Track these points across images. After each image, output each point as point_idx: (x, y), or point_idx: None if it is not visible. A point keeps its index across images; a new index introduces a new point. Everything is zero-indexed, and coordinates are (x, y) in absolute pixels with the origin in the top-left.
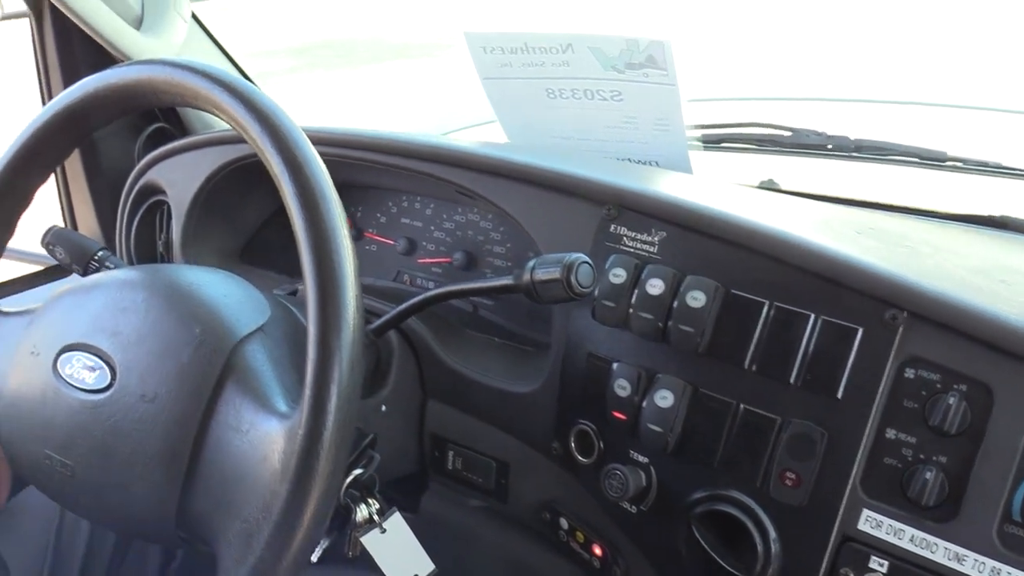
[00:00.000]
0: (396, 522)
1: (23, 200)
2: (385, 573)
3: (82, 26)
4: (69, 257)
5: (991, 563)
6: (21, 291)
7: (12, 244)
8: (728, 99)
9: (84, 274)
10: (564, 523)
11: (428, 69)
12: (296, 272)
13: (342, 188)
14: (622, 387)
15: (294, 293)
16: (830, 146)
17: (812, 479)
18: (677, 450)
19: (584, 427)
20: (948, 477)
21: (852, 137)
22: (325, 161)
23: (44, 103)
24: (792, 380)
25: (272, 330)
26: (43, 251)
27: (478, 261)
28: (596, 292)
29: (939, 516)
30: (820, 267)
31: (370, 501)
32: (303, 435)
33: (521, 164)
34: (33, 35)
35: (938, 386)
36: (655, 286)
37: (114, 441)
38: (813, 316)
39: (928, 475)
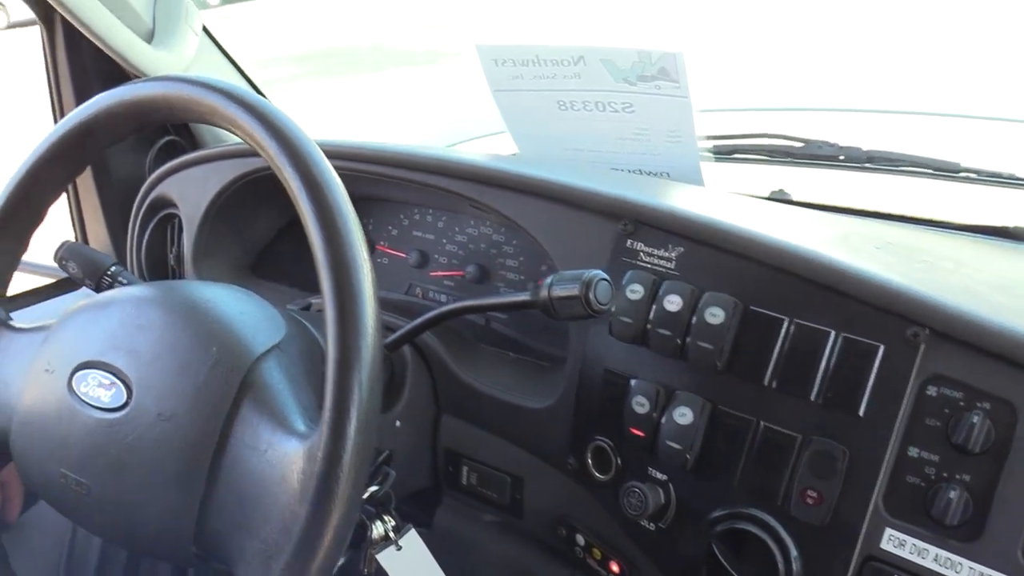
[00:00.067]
0: (412, 539)
1: (36, 216)
2: None
3: (94, 40)
4: (82, 272)
5: None
6: (32, 304)
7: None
8: (739, 109)
9: (97, 289)
10: (580, 539)
11: (432, 77)
12: (308, 286)
13: (354, 201)
14: (640, 404)
15: (307, 308)
16: (842, 157)
17: (834, 497)
18: (696, 467)
19: (601, 443)
20: (972, 496)
21: (864, 148)
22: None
23: (55, 115)
24: (813, 397)
25: (288, 347)
26: (52, 263)
27: (491, 274)
28: (613, 308)
29: (963, 535)
30: (841, 284)
31: (386, 518)
32: (323, 456)
33: (537, 178)
34: (44, 47)
35: (961, 404)
36: (673, 302)
37: (130, 460)
38: (833, 333)
39: (952, 494)
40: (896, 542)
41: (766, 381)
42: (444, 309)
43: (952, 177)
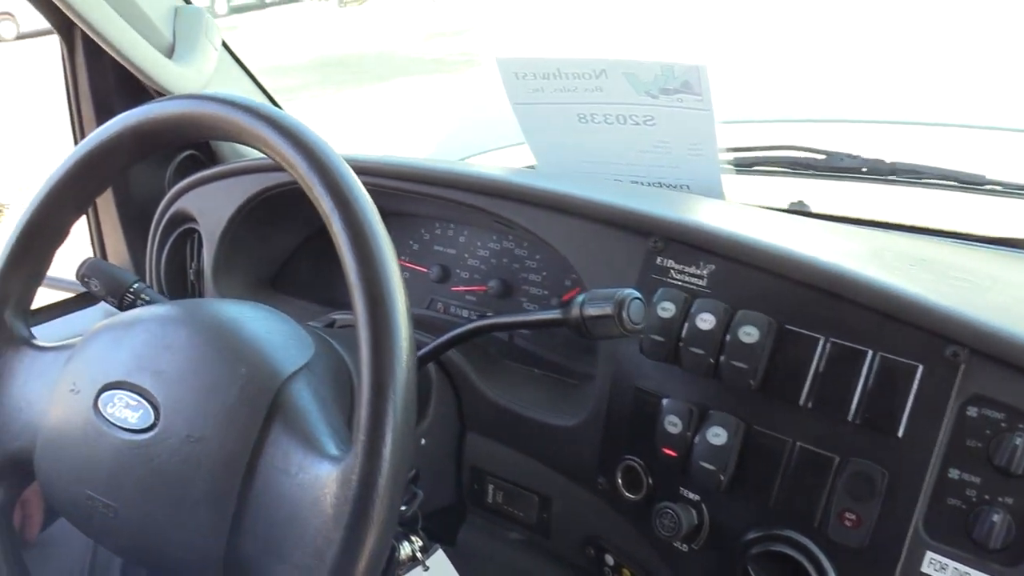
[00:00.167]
0: (439, 560)
1: (60, 234)
2: None
3: (115, 56)
4: (104, 289)
5: None
6: (50, 319)
7: None
8: (760, 121)
9: (119, 306)
10: (610, 559)
11: (440, 87)
12: (328, 300)
13: None
14: (673, 423)
15: (331, 325)
16: (865, 169)
17: (873, 520)
18: (730, 488)
19: (631, 463)
20: (1015, 519)
21: (887, 160)
22: None
23: (74, 129)
24: (850, 418)
25: (316, 367)
26: (69, 277)
27: (513, 289)
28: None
29: (1006, 559)
30: (878, 302)
31: (413, 538)
32: (357, 481)
33: (565, 195)
34: (64, 61)
35: (1003, 425)
36: (706, 320)
37: (158, 482)
38: (871, 353)
39: (995, 517)
40: (937, 566)
41: (802, 401)
42: (473, 326)
43: (977, 189)
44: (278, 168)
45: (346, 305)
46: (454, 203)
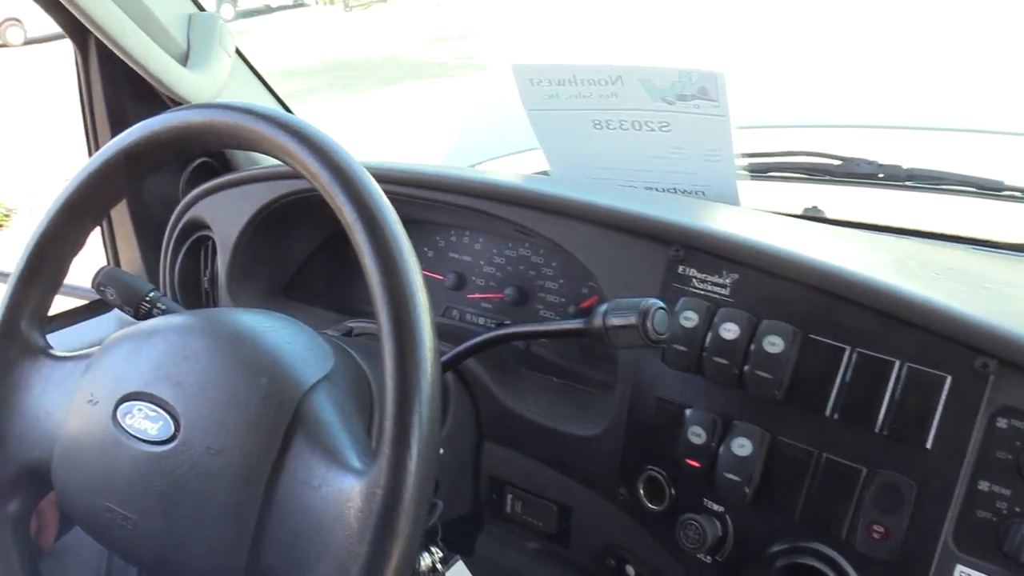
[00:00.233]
0: (459, 571)
1: (76, 243)
2: None
3: (130, 63)
4: (120, 298)
5: None
6: (64, 327)
7: None
8: (774, 126)
9: (135, 315)
10: (631, 570)
11: (447, 91)
12: (342, 308)
13: None
14: (696, 434)
15: (348, 333)
16: (881, 175)
17: (901, 532)
18: (755, 500)
19: (653, 473)
20: None
21: (905, 166)
22: None
23: (87, 136)
24: (877, 429)
25: (336, 378)
26: (81, 284)
27: (530, 296)
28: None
29: None
30: (906, 313)
31: (433, 550)
32: (383, 495)
33: (586, 203)
34: (78, 70)
35: None
36: (729, 330)
37: (179, 495)
38: (898, 363)
39: None
40: None
41: (828, 412)
42: (493, 335)
43: (996, 195)
44: (292, 175)
45: (360, 312)
46: (471, 211)
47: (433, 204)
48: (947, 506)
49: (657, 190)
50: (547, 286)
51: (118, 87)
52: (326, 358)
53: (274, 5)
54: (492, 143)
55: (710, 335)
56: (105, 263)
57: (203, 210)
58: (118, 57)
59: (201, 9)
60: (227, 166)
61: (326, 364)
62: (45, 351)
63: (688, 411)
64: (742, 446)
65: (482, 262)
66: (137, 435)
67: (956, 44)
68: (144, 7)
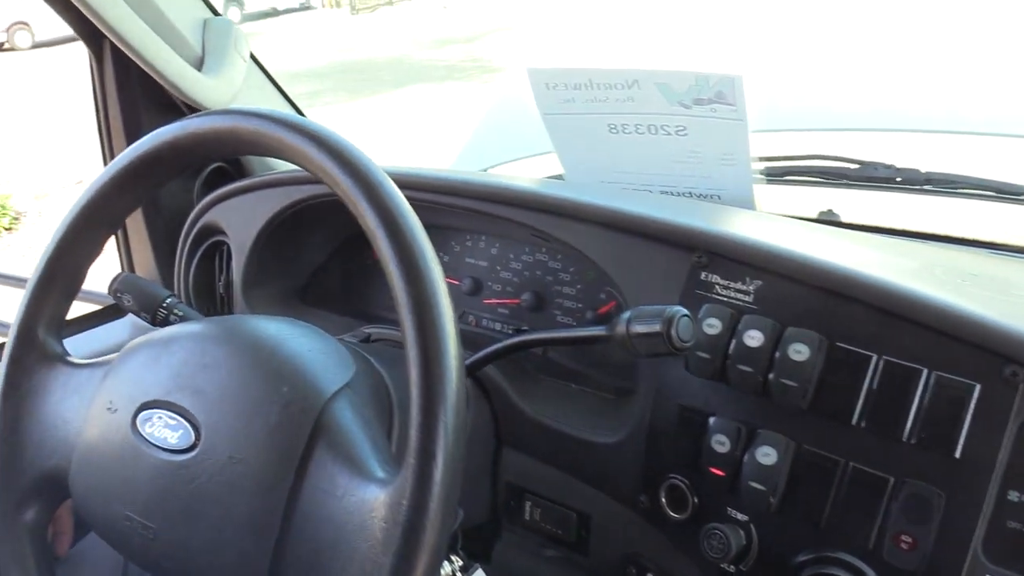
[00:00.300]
0: None
1: (94, 251)
2: None
3: (145, 68)
4: (137, 305)
5: None
6: (78, 333)
7: None
8: (789, 130)
9: (152, 321)
10: None
11: (452, 93)
12: (357, 313)
13: None
14: (720, 442)
15: (366, 339)
16: (899, 179)
17: (930, 543)
18: (780, 509)
19: (676, 481)
20: None
21: (923, 170)
22: None
23: (102, 141)
24: (905, 438)
25: (357, 386)
26: (95, 289)
27: (546, 302)
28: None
29: None
30: (934, 320)
31: (453, 558)
32: (408, 505)
33: (606, 208)
34: (92, 75)
35: None
36: (754, 338)
37: (200, 504)
38: (926, 372)
39: None
40: None
41: (854, 420)
42: (514, 341)
43: (1015, 199)
44: (307, 180)
45: (376, 317)
46: (488, 215)
47: (450, 209)
48: (976, 516)
49: (672, 194)
50: (564, 291)
51: (133, 92)
52: (347, 366)
53: (280, 8)
54: (504, 147)
55: (734, 342)
56: (119, 268)
57: (218, 215)
58: (133, 62)
59: (216, 14)
60: (241, 171)
61: (347, 372)
62: (62, 358)
63: (712, 419)
64: (767, 455)
65: (498, 267)
66: (157, 443)
67: (974, 47)
68: (160, 12)
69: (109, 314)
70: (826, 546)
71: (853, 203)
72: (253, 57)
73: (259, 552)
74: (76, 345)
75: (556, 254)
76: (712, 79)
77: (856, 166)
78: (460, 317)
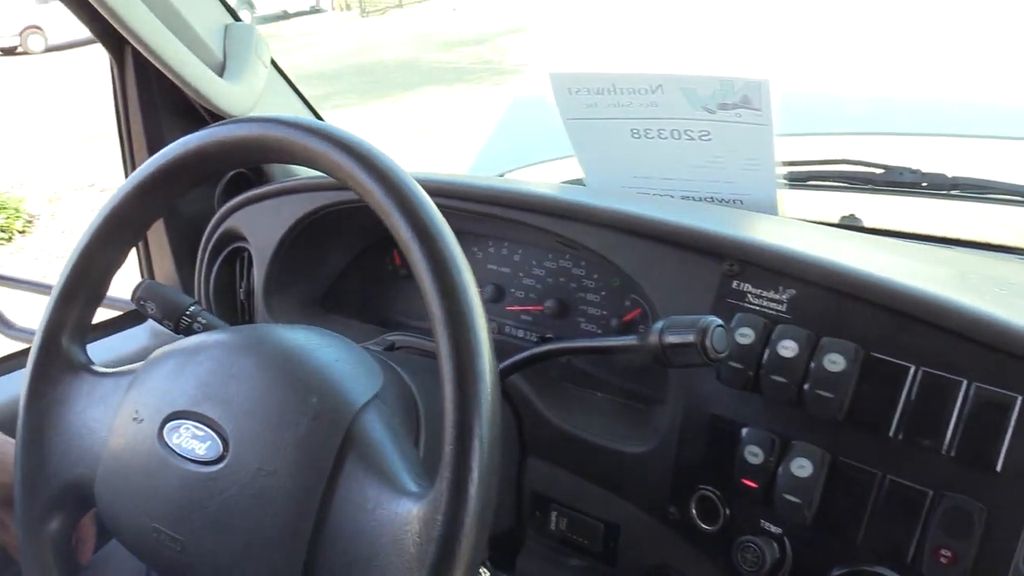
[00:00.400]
0: None
1: (118, 259)
2: None
3: (167, 73)
4: (160, 312)
5: None
6: (98, 339)
7: None
8: (812, 134)
9: (175, 329)
10: None
11: (463, 95)
12: (378, 320)
13: None
14: (753, 453)
15: (391, 348)
16: (925, 184)
17: (971, 558)
18: (815, 522)
19: (706, 492)
20: None
21: (949, 175)
22: None
23: (123, 146)
24: (944, 451)
25: (386, 397)
26: (115, 295)
27: (570, 309)
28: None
29: None
30: (972, 330)
31: (482, 571)
32: (443, 520)
33: (635, 216)
34: (113, 80)
35: None
36: (788, 348)
37: (229, 517)
38: (965, 383)
39: None
40: None
41: (891, 432)
42: (542, 349)
43: None
44: (329, 187)
45: (397, 324)
46: (512, 222)
47: (473, 215)
48: (1019, 531)
49: (693, 199)
50: (588, 299)
51: (153, 97)
52: (375, 376)
53: (291, 11)
54: (520, 151)
55: (767, 352)
56: (139, 274)
57: (239, 222)
58: (154, 67)
59: (237, 19)
60: (261, 177)
61: (375, 382)
62: (87, 367)
63: (744, 430)
64: (802, 467)
65: (521, 274)
66: (184, 454)
67: (999, 50)
68: (181, 18)
69: (128, 320)
70: (862, 560)
71: (875, 208)
72: (273, 62)
73: (289, 566)
74: (95, 351)
75: (580, 261)
76: (738, 83)
77: (881, 171)
78: None
